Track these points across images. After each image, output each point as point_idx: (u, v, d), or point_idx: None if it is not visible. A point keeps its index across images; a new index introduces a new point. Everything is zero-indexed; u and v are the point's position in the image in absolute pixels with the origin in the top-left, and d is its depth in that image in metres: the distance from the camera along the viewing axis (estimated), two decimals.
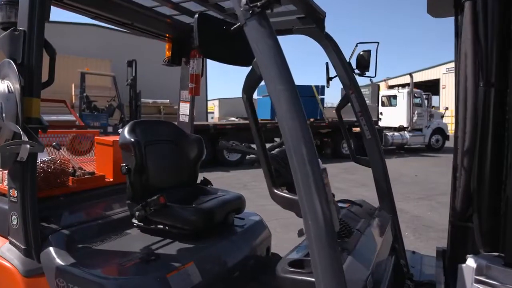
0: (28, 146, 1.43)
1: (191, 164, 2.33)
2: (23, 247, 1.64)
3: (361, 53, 2.08)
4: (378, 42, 2.07)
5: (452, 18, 1.64)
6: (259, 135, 1.16)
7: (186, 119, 2.65)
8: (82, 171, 2.13)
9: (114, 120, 11.08)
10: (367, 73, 2.11)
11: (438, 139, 15.14)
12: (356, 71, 2.11)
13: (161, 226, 1.88)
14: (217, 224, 1.94)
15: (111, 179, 2.26)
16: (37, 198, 1.65)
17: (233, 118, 17.55)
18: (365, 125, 2.08)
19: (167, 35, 2.51)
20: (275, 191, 1.05)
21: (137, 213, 1.88)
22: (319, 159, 0.98)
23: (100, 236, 1.87)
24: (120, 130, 2.08)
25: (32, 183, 1.62)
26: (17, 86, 1.51)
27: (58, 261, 1.58)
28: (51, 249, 1.63)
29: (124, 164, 1.92)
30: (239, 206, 2.13)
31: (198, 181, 2.41)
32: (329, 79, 2.15)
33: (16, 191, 1.63)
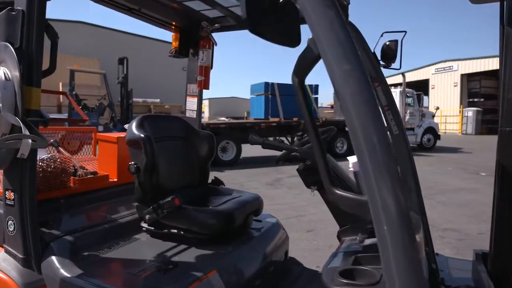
0: (29, 141, 1.24)
1: (202, 163, 2.16)
2: (21, 256, 1.45)
3: (387, 43, 1.94)
4: (405, 32, 1.93)
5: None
6: (314, 127, 1.00)
7: (194, 114, 2.47)
8: (84, 171, 1.94)
9: (104, 120, 10.78)
10: (392, 65, 1.97)
11: (429, 139, 15.24)
12: (381, 62, 1.97)
13: (175, 231, 1.71)
14: (237, 228, 1.78)
15: (115, 179, 2.08)
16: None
17: (223, 118, 17.42)
18: (392, 120, 1.94)
19: (173, 23, 2.33)
20: (336, 191, 0.89)
21: (147, 216, 1.70)
22: None
23: (107, 242, 1.69)
24: (126, 126, 1.90)
25: (31, 183, 1.43)
26: (16, 73, 1.31)
27: (62, 271, 1.39)
28: (54, 258, 1.45)
29: (132, 163, 1.74)
30: (258, 207, 1.97)
31: (209, 180, 2.25)
32: None
33: (12, 193, 1.43)
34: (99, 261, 1.53)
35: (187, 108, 2.50)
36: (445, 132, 24.12)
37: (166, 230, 1.72)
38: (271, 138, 12.61)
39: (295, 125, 11.69)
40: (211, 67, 2.39)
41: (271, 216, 2.21)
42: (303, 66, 1.00)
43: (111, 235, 1.75)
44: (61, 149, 1.99)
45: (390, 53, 1.92)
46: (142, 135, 1.72)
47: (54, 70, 1.50)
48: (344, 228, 1.57)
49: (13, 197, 1.43)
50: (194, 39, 2.37)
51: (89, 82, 13.36)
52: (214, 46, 2.37)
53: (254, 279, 1.69)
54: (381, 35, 1.97)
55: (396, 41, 1.93)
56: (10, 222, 1.46)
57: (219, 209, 1.73)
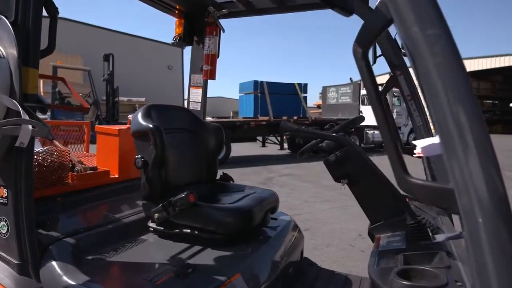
0: (30, 127, 1.06)
1: (210, 157, 2.01)
2: (16, 262, 1.26)
3: None
4: None
5: None
6: (381, 106, 0.86)
7: (198, 107, 2.31)
8: (83, 166, 1.75)
9: (88, 118, 10.41)
10: None
11: (415, 137, 15.41)
12: (403, 50, 1.86)
13: (188, 230, 1.55)
14: (255, 227, 1.63)
15: (116, 176, 1.90)
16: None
17: (209, 118, 17.19)
18: (415, 111, 1.85)
19: (177, 7, 2.16)
20: (411, 179, 0.77)
21: (156, 215, 1.54)
22: None
23: (111, 244, 1.51)
24: (130, 116, 1.73)
25: (27, 178, 1.25)
26: (12, 50, 1.13)
27: (65, 278, 1.21)
28: (54, 263, 1.27)
29: (139, 156, 1.57)
30: (275, 204, 1.83)
31: (217, 176, 2.10)
32: (375, 57, 1.89)
33: (5, 189, 1.25)
34: (105, 265, 1.36)
35: (191, 100, 2.34)
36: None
37: (177, 230, 1.57)
38: (260, 138, 12.49)
39: None
40: (218, 56, 2.24)
41: (284, 213, 2.08)
42: (369, 34, 0.86)
43: (115, 236, 1.58)
44: (56, 142, 1.80)
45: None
46: (151, 125, 1.56)
47: (53, 50, 1.32)
48: (377, 225, 1.46)
49: (6, 195, 1.25)
50: (199, 26, 2.21)
51: (72, 79, 12.86)
52: (222, 33, 2.21)
53: (277, 282, 1.55)
54: None
55: None
56: (2, 223, 1.27)
57: (237, 206, 1.59)
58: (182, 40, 2.22)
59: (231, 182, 2.10)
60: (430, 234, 1.17)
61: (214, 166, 2.03)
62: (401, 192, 1.53)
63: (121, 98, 13.98)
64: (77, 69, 12.71)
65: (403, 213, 1.38)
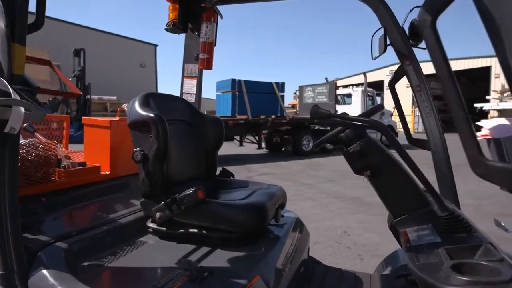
0: (22, 110, 0.89)
1: (210, 152, 1.87)
2: (0, 272, 1.08)
3: (418, 19, 1.78)
4: None
5: None
6: (452, 82, 0.76)
7: (193, 98, 2.16)
8: (70, 161, 1.57)
9: None
10: (419, 45, 1.82)
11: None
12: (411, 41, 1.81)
13: (195, 230, 1.41)
14: (267, 224, 1.52)
15: (108, 172, 1.72)
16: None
17: None
18: (424, 102, 1.79)
19: None
20: (489, 162, 0.67)
21: (158, 214, 1.39)
22: None
23: (108, 248, 1.35)
24: (125, 106, 1.57)
25: (12, 173, 1.07)
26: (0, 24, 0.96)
27: None
28: (45, 272, 1.09)
29: (137, 149, 1.41)
30: (284, 200, 1.72)
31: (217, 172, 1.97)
32: (385, 45, 1.82)
33: None
34: (105, 272, 1.20)
35: (184, 91, 2.19)
36: (399, 131, 25.35)
37: (182, 230, 1.42)
38: (237, 137, 12.34)
39: (263, 122, 11.55)
40: (215, 44, 2.10)
41: (288, 210, 1.97)
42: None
43: (111, 239, 1.41)
44: (38, 135, 1.60)
45: (420, 30, 1.76)
46: (152, 115, 1.40)
47: (42, 24, 1.15)
48: (401, 218, 1.38)
49: None
50: (195, 12, 2.06)
51: (38, 76, 12.15)
52: (219, 19, 2.08)
53: (292, 282, 1.44)
54: (410, 10, 1.81)
55: None
56: None
57: (250, 203, 1.46)
58: (176, 26, 2.07)
59: (232, 178, 1.97)
60: (504, 226, 1.10)
61: (214, 161, 1.90)
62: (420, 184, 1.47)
63: (91, 97, 13.42)
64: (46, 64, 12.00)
65: (427, 205, 1.31)
